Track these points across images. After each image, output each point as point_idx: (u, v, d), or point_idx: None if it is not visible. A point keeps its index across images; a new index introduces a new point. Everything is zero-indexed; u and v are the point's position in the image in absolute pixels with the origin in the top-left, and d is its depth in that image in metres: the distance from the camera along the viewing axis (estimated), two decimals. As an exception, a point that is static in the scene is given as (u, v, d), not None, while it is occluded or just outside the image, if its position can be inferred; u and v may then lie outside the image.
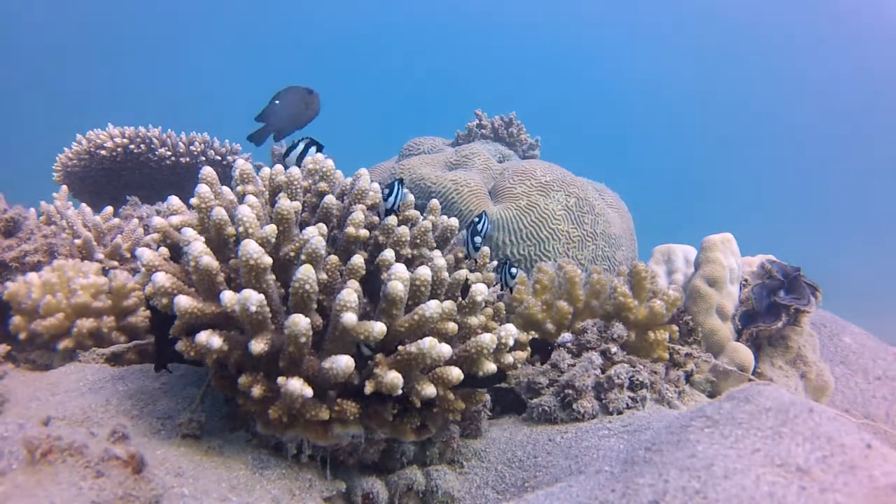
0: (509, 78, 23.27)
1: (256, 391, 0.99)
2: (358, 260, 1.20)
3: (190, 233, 1.09)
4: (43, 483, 0.66)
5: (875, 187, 15.84)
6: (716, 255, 1.81)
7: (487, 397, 1.25)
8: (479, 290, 1.16)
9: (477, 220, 1.37)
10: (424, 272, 1.11)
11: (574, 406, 1.39)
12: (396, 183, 1.30)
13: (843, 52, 18.62)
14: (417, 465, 1.19)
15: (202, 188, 1.18)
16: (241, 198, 1.27)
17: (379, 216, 1.36)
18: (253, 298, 0.95)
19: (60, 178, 2.95)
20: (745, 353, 1.73)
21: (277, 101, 1.65)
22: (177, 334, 1.05)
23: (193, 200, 1.18)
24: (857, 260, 10.08)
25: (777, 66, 19.97)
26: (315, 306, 1.05)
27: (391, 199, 1.29)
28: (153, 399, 1.16)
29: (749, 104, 20.41)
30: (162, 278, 1.04)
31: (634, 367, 1.48)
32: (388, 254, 1.19)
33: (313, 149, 1.44)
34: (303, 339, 0.96)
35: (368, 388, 1.01)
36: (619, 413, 1.39)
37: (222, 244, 1.14)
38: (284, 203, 1.14)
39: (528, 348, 1.53)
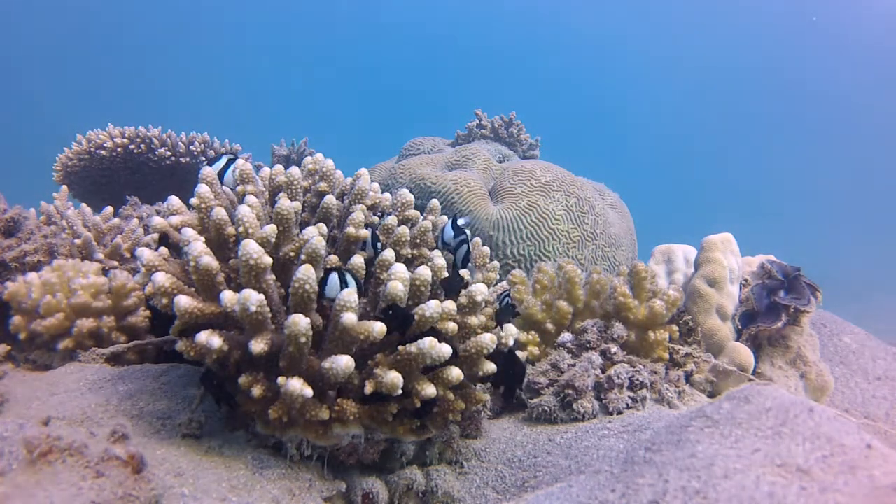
0: (510, 78, 23.29)
1: (256, 391, 0.99)
2: (358, 260, 1.20)
3: (190, 233, 1.09)
4: (43, 483, 0.66)
5: (876, 187, 15.84)
6: (716, 255, 1.81)
7: (487, 397, 1.25)
8: (479, 290, 1.16)
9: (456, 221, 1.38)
10: (424, 272, 1.11)
11: (574, 406, 1.39)
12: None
13: (843, 52, 18.63)
14: (417, 465, 1.19)
15: (202, 188, 1.18)
16: (241, 198, 1.27)
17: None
18: (253, 298, 0.95)
19: (60, 178, 2.96)
20: (745, 353, 1.73)
21: None
22: (176, 334, 1.05)
23: (193, 200, 1.18)
24: (857, 260, 10.08)
25: (778, 66, 19.96)
26: (315, 306, 1.05)
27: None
28: (153, 399, 1.16)
29: (750, 104, 20.42)
30: (162, 278, 1.04)
31: (634, 367, 1.48)
32: (388, 254, 1.20)
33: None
34: (303, 339, 0.96)
35: (368, 388, 1.01)
36: (619, 413, 1.39)
37: (222, 244, 1.14)
38: (284, 203, 1.14)
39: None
